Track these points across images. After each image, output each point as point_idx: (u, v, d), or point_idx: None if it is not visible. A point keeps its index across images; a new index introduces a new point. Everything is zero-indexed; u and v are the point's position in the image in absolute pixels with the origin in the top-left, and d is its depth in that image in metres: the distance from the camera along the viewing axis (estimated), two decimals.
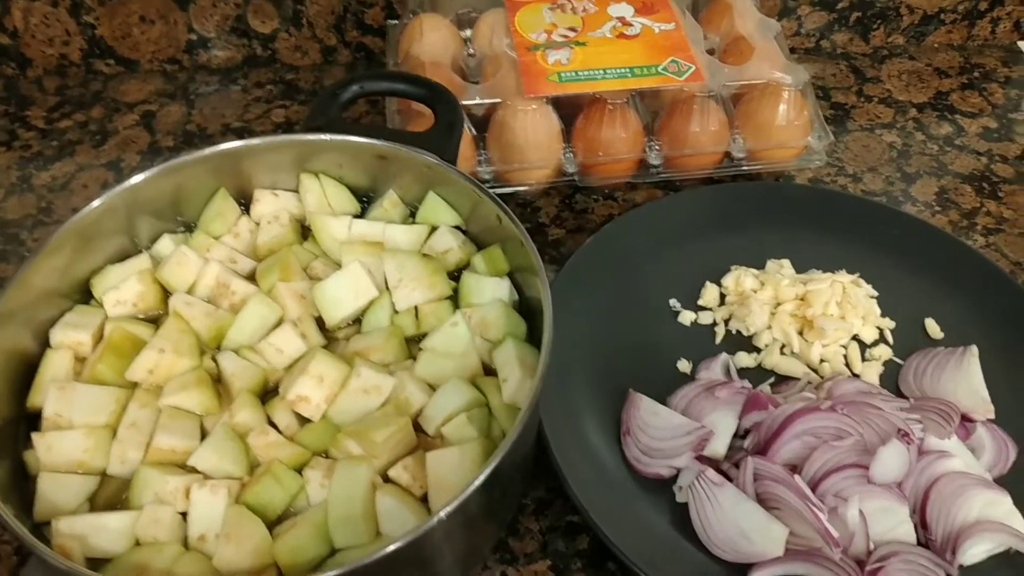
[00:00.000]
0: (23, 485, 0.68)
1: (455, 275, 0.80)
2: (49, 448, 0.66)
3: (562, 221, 1.05)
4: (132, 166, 1.11)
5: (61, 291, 0.77)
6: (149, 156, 1.13)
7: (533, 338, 0.76)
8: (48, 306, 0.76)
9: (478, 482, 0.58)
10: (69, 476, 0.66)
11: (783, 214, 1.00)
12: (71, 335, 0.75)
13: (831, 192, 1.05)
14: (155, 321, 0.77)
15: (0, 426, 0.69)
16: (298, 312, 0.74)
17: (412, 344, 0.76)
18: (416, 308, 0.76)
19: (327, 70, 1.25)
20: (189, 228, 0.84)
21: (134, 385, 0.72)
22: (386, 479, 0.66)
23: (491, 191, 0.77)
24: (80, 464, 0.66)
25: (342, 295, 0.75)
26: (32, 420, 0.71)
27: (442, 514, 0.56)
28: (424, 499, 0.65)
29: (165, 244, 0.81)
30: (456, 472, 0.64)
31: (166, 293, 0.79)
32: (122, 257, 0.80)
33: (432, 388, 0.71)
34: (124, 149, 1.14)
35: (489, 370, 0.74)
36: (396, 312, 0.76)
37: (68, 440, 0.67)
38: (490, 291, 0.76)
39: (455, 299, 0.78)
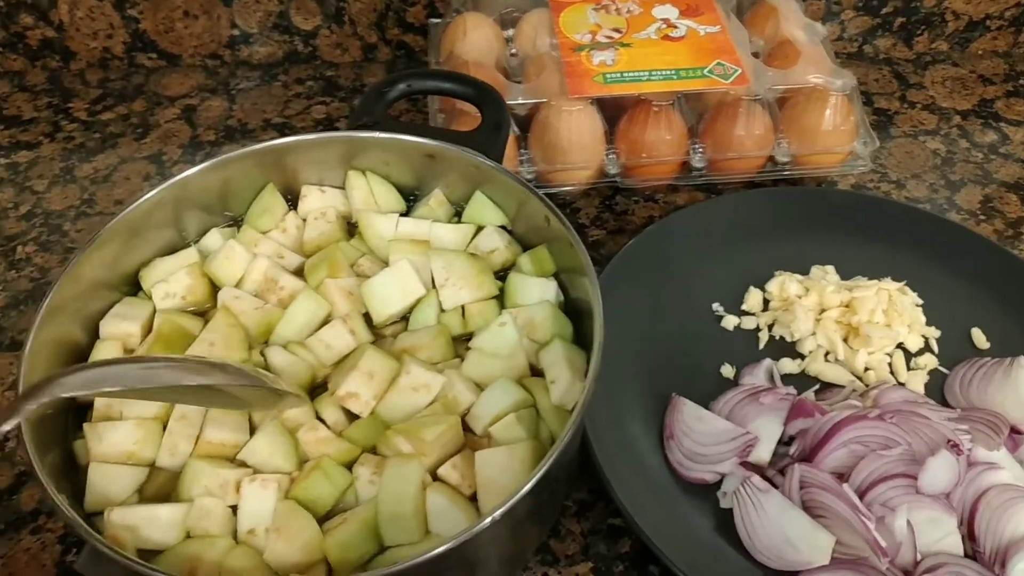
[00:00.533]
0: (73, 475, 0.68)
1: (501, 275, 0.80)
2: (100, 439, 0.67)
3: (602, 222, 1.04)
4: (174, 159, 1.12)
5: (110, 283, 0.78)
6: (190, 150, 1.13)
7: (579, 339, 0.76)
8: (97, 298, 0.77)
9: (531, 484, 0.58)
10: (119, 467, 0.66)
11: (827, 220, 0.99)
12: (121, 326, 0.75)
13: (876, 198, 1.04)
14: (203, 315, 0.77)
15: (51, 415, 0.70)
16: (346, 308, 0.74)
17: (458, 343, 0.75)
18: (463, 307, 0.76)
19: (367, 68, 1.25)
20: (236, 223, 0.85)
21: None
22: (434, 477, 0.66)
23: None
24: (130, 455, 0.67)
25: (390, 293, 0.75)
26: (81, 411, 0.72)
27: (496, 515, 0.56)
28: (473, 498, 0.65)
29: (213, 238, 0.82)
30: (505, 473, 0.63)
31: (214, 288, 0.79)
32: (170, 250, 0.81)
33: (479, 387, 0.71)
34: (166, 142, 1.14)
35: (536, 371, 0.73)
36: (443, 311, 0.76)
37: (119, 431, 0.67)
38: (537, 292, 0.76)
39: (501, 299, 0.78)
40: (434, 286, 0.77)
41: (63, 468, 0.68)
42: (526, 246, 0.83)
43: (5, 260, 1.00)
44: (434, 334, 0.73)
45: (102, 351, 0.73)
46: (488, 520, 0.56)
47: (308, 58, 1.25)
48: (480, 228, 0.82)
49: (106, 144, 1.14)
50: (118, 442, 0.67)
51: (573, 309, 0.78)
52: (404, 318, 0.77)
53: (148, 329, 0.76)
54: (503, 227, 0.83)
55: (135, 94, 1.21)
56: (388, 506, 0.62)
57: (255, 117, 1.18)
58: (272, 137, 1.14)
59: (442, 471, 0.65)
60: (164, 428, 0.68)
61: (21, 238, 1.02)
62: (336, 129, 1.16)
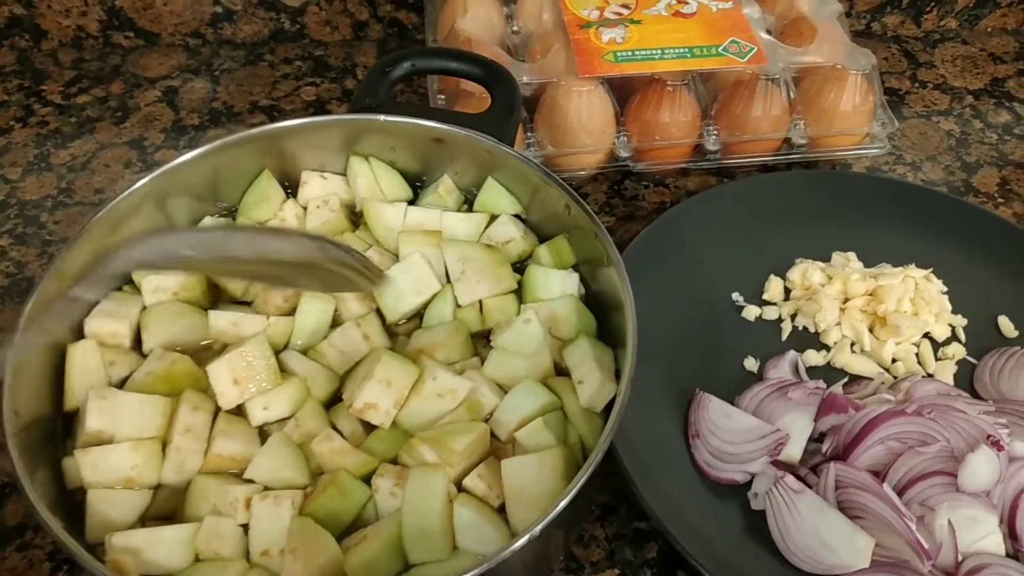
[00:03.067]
0: (64, 493, 0.63)
1: (516, 267, 0.76)
2: (93, 467, 0.61)
3: (612, 208, 1.00)
4: (156, 145, 1.05)
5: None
6: (173, 134, 1.07)
7: (601, 335, 0.72)
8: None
9: (568, 498, 0.54)
10: (120, 492, 0.61)
11: (846, 204, 0.96)
12: (107, 325, 0.70)
13: (896, 182, 1.01)
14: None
15: (38, 424, 0.64)
16: (358, 307, 0.69)
17: (475, 340, 0.71)
18: (480, 302, 0.71)
19: (358, 46, 1.19)
20: (230, 212, 0.79)
21: (173, 386, 0.67)
22: (459, 488, 0.61)
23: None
24: (129, 481, 0.61)
25: (404, 289, 0.70)
26: (69, 419, 0.67)
27: (535, 531, 0.52)
28: (500, 509, 0.61)
29: None
30: (535, 483, 0.59)
31: (210, 284, 0.74)
32: None
33: (502, 389, 0.66)
34: (147, 127, 1.08)
35: (560, 370, 0.69)
36: (459, 306, 0.71)
37: (114, 457, 0.61)
38: (559, 285, 0.71)
39: (518, 293, 0.73)
40: (448, 280, 0.73)
41: (56, 487, 0.63)
42: (541, 235, 0.79)
43: None
44: (451, 331, 0.69)
45: (78, 352, 0.67)
46: (527, 538, 0.52)
47: (295, 36, 1.19)
48: (493, 217, 0.77)
49: (83, 129, 1.07)
50: (114, 468, 0.61)
51: (593, 302, 0.73)
52: (418, 315, 0.72)
53: (136, 329, 0.71)
54: (517, 216, 0.79)
55: (112, 75, 1.14)
56: (413, 521, 0.57)
57: (241, 99, 1.11)
58: (261, 120, 1.09)
59: (468, 482, 0.60)
60: (164, 447, 0.63)
61: None
62: (328, 111, 1.10)
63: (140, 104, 1.10)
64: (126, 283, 0.74)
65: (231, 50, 1.18)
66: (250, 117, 1.09)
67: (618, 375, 0.66)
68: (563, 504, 0.53)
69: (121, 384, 0.67)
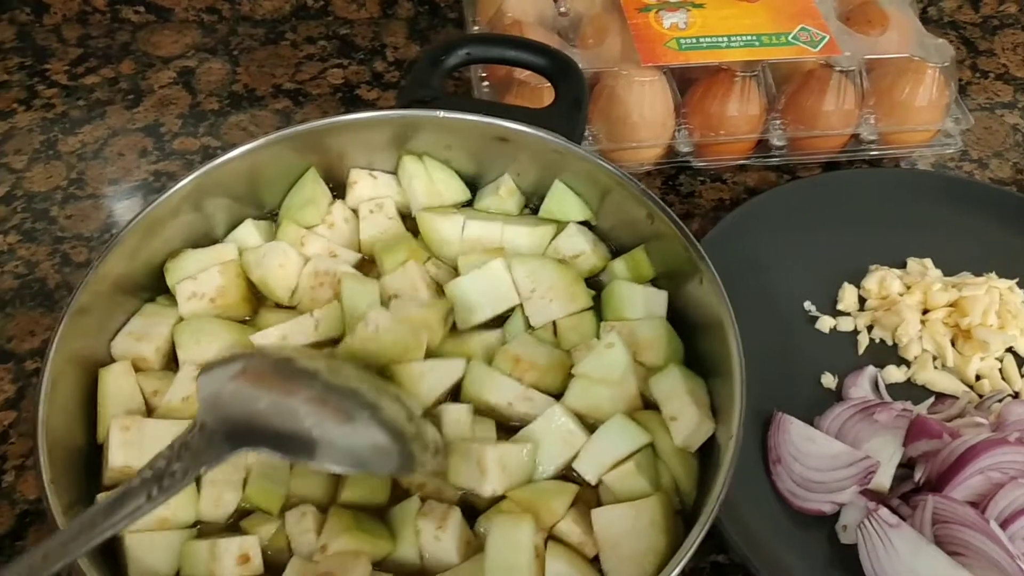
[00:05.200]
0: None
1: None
2: None
3: (667, 206, 0.93)
4: (173, 131, 0.97)
5: (132, 280, 0.65)
6: (191, 120, 0.99)
7: (688, 361, 0.66)
8: (118, 305, 0.65)
9: (678, 569, 0.48)
10: (157, 535, 0.55)
11: (917, 205, 0.90)
12: (135, 348, 0.63)
13: (967, 181, 0.95)
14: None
15: (73, 456, 0.58)
16: (426, 294, 0.64)
17: None
18: (553, 324, 0.65)
19: (386, 25, 1.11)
20: (272, 213, 0.72)
21: None
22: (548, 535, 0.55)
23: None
24: (164, 521, 0.56)
25: (480, 299, 0.64)
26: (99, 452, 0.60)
27: None
28: (595, 560, 0.55)
29: (248, 231, 0.70)
30: (632, 536, 0.54)
31: (252, 291, 0.67)
32: (199, 239, 0.69)
33: (584, 422, 0.60)
34: (162, 111, 1.00)
35: (644, 400, 0.63)
36: (531, 328, 0.65)
37: None
38: (643, 303, 0.65)
39: (595, 311, 0.67)
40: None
41: None
42: (611, 244, 0.72)
43: None
44: (548, 357, 0.62)
45: (111, 377, 0.61)
46: None
47: (319, 13, 1.10)
48: (561, 227, 0.71)
49: (92, 113, 0.99)
50: None
51: (675, 323, 0.67)
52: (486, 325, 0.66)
53: (166, 351, 0.64)
54: (585, 222, 0.72)
55: (121, 54, 1.06)
56: None
57: (263, 82, 1.03)
58: (285, 106, 1.01)
59: (563, 527, 0.54)
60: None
61: (1, 226, 0.88)
62: (357, 96, 1.02)
63: (154, 86, 1.02)
64: (160, 294, 0.68)
65: (250, 27, 1.10)
66: (274, 101, 1.01)
67: (713, 410, 0.60)
68: (675, 574, 0.48)
69: None
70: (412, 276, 0.64)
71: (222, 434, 0.48)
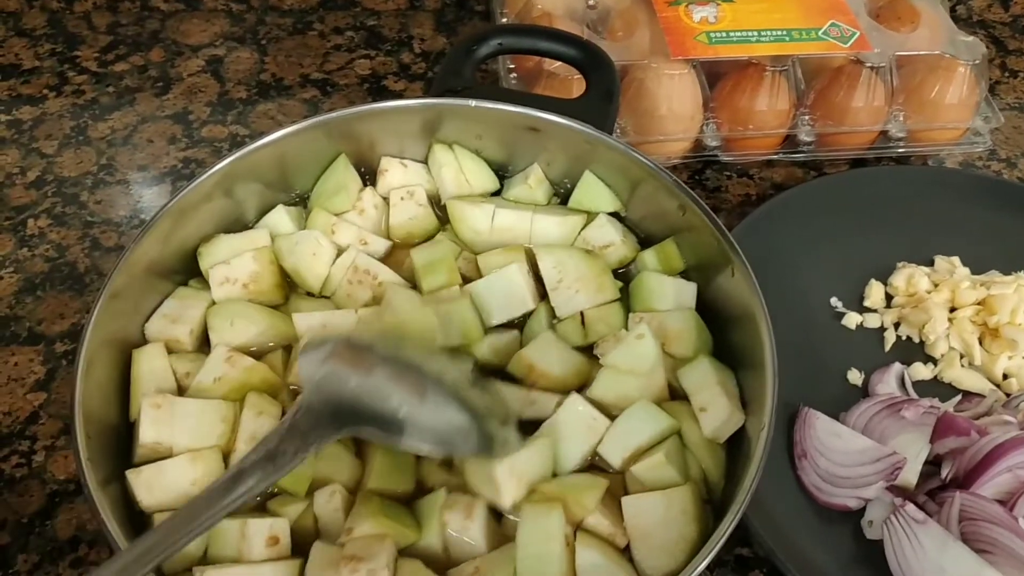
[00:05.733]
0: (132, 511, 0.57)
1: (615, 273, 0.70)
2: (150, 488, 0.56)
3: None
4: (202, 119, 0.98)
5: (165, 264, 0.66)
6: (220, 108, 0.99)
7: (717, 353, 0.66)
8: (152, 288, 0.65)
9: (709, 559, 0.48)
10: None
11: (945, 203, 0.90)
12: (169, 330, 0.64)
13: (995, 180, 0.95)
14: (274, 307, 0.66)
15: (108, 433, 0.59)
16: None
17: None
18: (581, 314, 0.65)
19: (413, 16, 1.11)
20: (302, 198, 0.73)
21: (244, 395, 0.61)
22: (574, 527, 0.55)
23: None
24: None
25: (496, 303, 0.64)
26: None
27: None
28: (625, 549, 0.55)
29: (280, 217, 0.70)
30: (664, 525, 0.54)
31: (284, 277, 0.68)
32: (227, 226, 0.69)
33: (610, 412, 0.60)
34: (191, 99, 1.00)
35: (673, 392, 0.63)
36: (557, 319, 0.65)
37: (170, 473, 0.57)
38: (673, 295, 0.65)
39: (623, 302, 0.67)
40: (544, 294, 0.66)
41: (126, 505, 0.57)
42: (640, 235, 0.72)
43: (15, 236, 0.86)
44: (563, 368, 0.62)
45: (144, 358, 0.61)
46: None
47: (347, 4, 1.11)
48: (590, 217, 0.71)
49: (122, 100, 1.00)
50: (172, 486, 0.56)
51: (704, 315, 0.67)
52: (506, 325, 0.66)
53: (199, 334, 0.65)
54: (614, 214, 0.72)
55: (151, 42, 1.06)
56: (529, 567, 0.51)
57: (291, 71, 1.04)
58: (313, 95, 1.02)
59: (592, 520, 0.54)
60: (227, 458, 0.58)
61: (32, 210, 0.89)
62: (384, 87, 1.03)
63: (183, 74, 1.03)
64: (192, 277, 0.68)
65: (278, 17, 1.10)
66: (302, 91, 1.02)
67: (743, 402, 0.60)
68: (705, 564, 0.48)
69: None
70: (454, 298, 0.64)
71: (328, 415, 0.50)
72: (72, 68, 1.03)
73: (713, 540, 0.49)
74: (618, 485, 0.58)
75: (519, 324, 0.66)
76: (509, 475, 0.54)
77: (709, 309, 0.67)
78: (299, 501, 0.57)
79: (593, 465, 0.60)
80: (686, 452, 0.59)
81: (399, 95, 1.02)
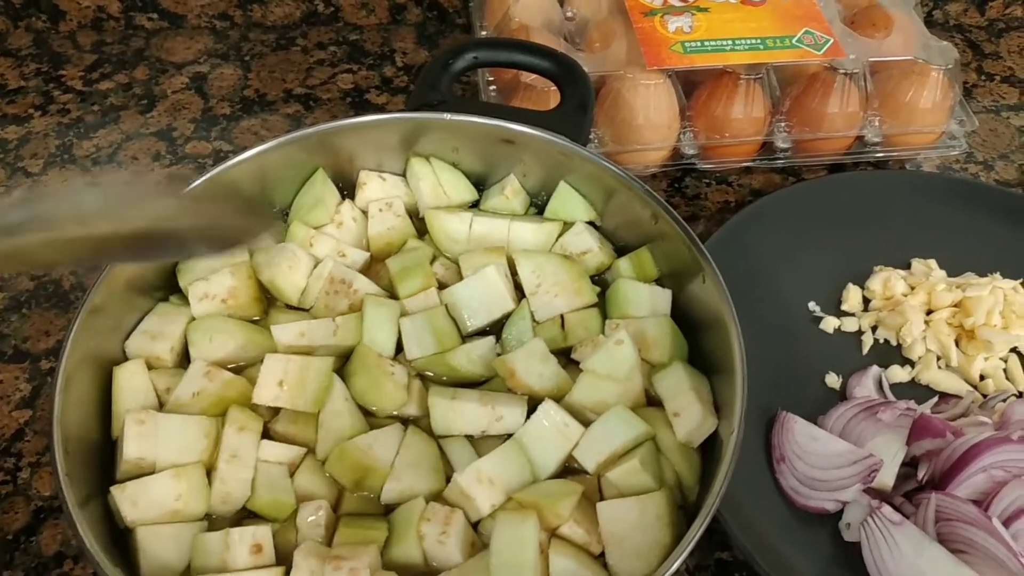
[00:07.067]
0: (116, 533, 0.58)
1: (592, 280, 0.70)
2: (134, 503, 0.57)
3: (673, 208, 0.94)
4: (186, 135, 0.99)
5: (145, 281, 0.67)
6: (204, 124, 1.00)
7: (691, 359, 0.66)
8: (132, 305, 0.66)
9: (680, 559, 0.49)
10: (169, 527, 0.56)
11: (922, 206, 0.91)
12: (148, 346, 0.64)
13: (972, 183, 0.95)
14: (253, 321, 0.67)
15: (89, 451, 0.59)
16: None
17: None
18: (561, 318, 0.66)
19: (395, 31, 1.13)
20: (282, 213, 0.74)
21: (225, 410, 0.62)
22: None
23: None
24: (175, 514, 0.57)
25: (475, 305, 0.65)
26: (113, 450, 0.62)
27: None
28: (600, 556, 0.56)
29: None
30: (638, 530, 0.54)
31: (262, 291, 0.68)
32: None
33: (584, 415, 0.61)
34: (175, 116, 1.01)
35: (649, 398, 0.64)
36: (536, 322, 0.66)
37: (154, 489, 0.57)
38: (649, 301, 0.66)
39: (600, 307, 0.68)
40: (522, 294, 0.67)
41: (107, 522, 0.57)
42: (616, 244, 0.73)
43: None
44: (542, 384, 0.63)
45: (125, 374, 0.62)
46: None
47: (329, 20, 1.12)
48: (567, 226, 0.72)
49: (107, 118, 1.01)
50: (157, 502, 0.57)
51: (678, 321, 0.68)
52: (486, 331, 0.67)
53: (180, 350, 0.65)
54: (591, 223, 0.73)
55: (135, 60, 1.07)
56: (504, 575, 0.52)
57: (274, 87, 1.05)
58: (296, 110, 1.03)
59: (566, 529, 0.55)
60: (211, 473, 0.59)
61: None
62: (367, 100, 1.04)
63: (167, 91, 1.04)
64: (172, 293, 0.69)
65: (261, 33, 1.11)
66: (284, 106, 1.03)
67: (715, 407, 0.61)
68: (676, 566, 0.49)
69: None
70: (431, 303, 0.65)
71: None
72: (57, 87, 1.04)
73: (683, 543, 0.49)
74: (594, 490, 0.59)
75: (497, 331, 0.67)
76: (476, 482, 0.54)
77: (683, 316, 0.67)
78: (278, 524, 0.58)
79: (570, 468, 0.60)
80: (661, 458, 0.60)
81: (382, 108, 1.03)
